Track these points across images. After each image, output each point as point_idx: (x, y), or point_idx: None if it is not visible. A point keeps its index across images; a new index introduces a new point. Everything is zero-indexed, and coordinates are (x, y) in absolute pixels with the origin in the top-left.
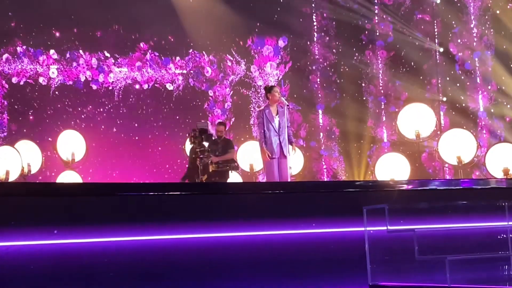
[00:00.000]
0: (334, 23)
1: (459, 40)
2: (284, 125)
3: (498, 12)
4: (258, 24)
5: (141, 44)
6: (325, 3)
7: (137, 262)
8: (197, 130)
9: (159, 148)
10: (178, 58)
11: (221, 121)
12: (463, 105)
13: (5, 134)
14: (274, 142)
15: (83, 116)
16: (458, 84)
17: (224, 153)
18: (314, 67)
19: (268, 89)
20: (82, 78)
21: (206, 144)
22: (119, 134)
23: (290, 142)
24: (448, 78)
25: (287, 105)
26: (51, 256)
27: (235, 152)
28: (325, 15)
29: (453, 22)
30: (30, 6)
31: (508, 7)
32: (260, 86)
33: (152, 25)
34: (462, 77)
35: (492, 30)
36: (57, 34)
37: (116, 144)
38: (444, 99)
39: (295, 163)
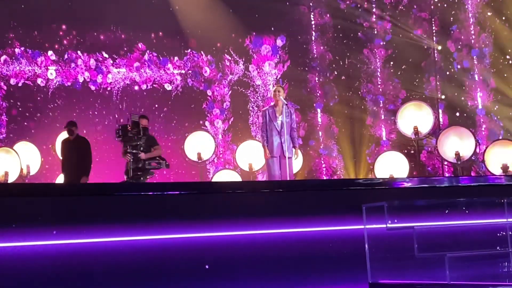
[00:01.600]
0: (332, 21)
1: (458, 37)
2: (288, 126)
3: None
4: (256, 23)
5: (139, 45)
6: (323, 2)
7: (137, 262)
8: (129, 124)
9: None
10: (176, 58)
11: (143, 114)
12: (462, 102)
13: (4, 135)
14: (275, 141)
15: (81, 117)
16: (456, 82)
17: (148, 149)
18: (312, 66)
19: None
20: (81, 79)
21: (139, 139)
22: None
23: (294, 146)
24: (446, 76)
25: (285, 104)
26: (50, 256)
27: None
28: (323, 13)
29: (451, 20)
30: (28, 7)
31: None
32: (259, 85)
33: (150, 25)
34: (461, 75)
35: (490, 27)
36: (55, 35)
37: (115, 144)
38: (443, 97)
39: (294, 161)
